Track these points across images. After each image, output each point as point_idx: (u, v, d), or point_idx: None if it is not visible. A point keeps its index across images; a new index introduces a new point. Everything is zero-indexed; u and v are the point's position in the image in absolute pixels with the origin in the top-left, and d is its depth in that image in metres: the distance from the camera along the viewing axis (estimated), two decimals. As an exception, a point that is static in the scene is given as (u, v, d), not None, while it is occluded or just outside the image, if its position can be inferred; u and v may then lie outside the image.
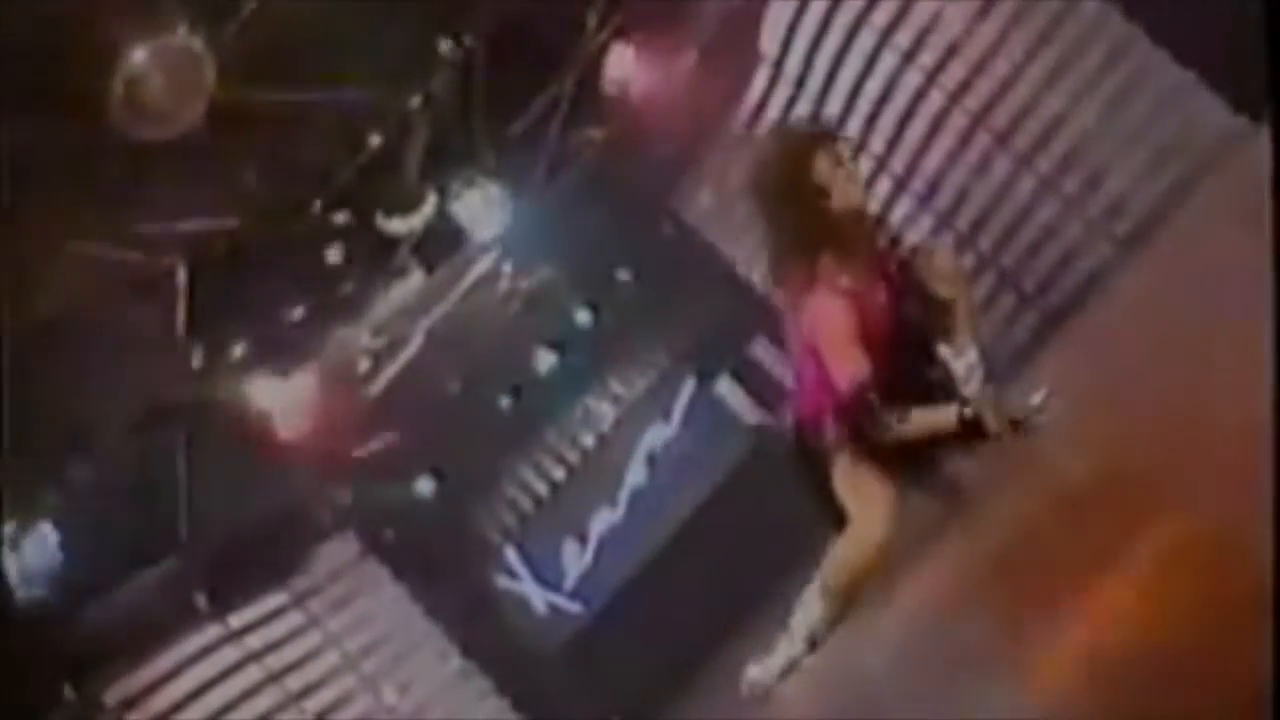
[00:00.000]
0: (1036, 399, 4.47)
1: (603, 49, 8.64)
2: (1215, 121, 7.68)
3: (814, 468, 4.53)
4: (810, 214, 4.40)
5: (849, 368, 4.32)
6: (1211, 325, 4.02)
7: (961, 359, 4.58)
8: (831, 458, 4.46)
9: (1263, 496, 1.97)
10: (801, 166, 4.42)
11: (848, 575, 4.35)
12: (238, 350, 8.02)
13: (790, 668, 4.43)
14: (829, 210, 4.40)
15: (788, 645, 4.45)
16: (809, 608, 4.43)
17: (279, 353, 8.38)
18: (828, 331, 4.38)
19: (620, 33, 8.60)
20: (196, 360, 7.76)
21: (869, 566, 4.35)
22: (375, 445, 9.96)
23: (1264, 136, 7.11)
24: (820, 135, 4.63)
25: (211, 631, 9.50)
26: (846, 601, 4.36)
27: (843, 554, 4.39)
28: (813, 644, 4.40)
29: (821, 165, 4.41)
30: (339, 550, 10.48)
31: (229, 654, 9.52)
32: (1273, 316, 2.39)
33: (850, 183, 4.48)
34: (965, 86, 8.55)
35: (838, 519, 4.48)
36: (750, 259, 9.71)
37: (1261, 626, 1.63)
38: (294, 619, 10.02)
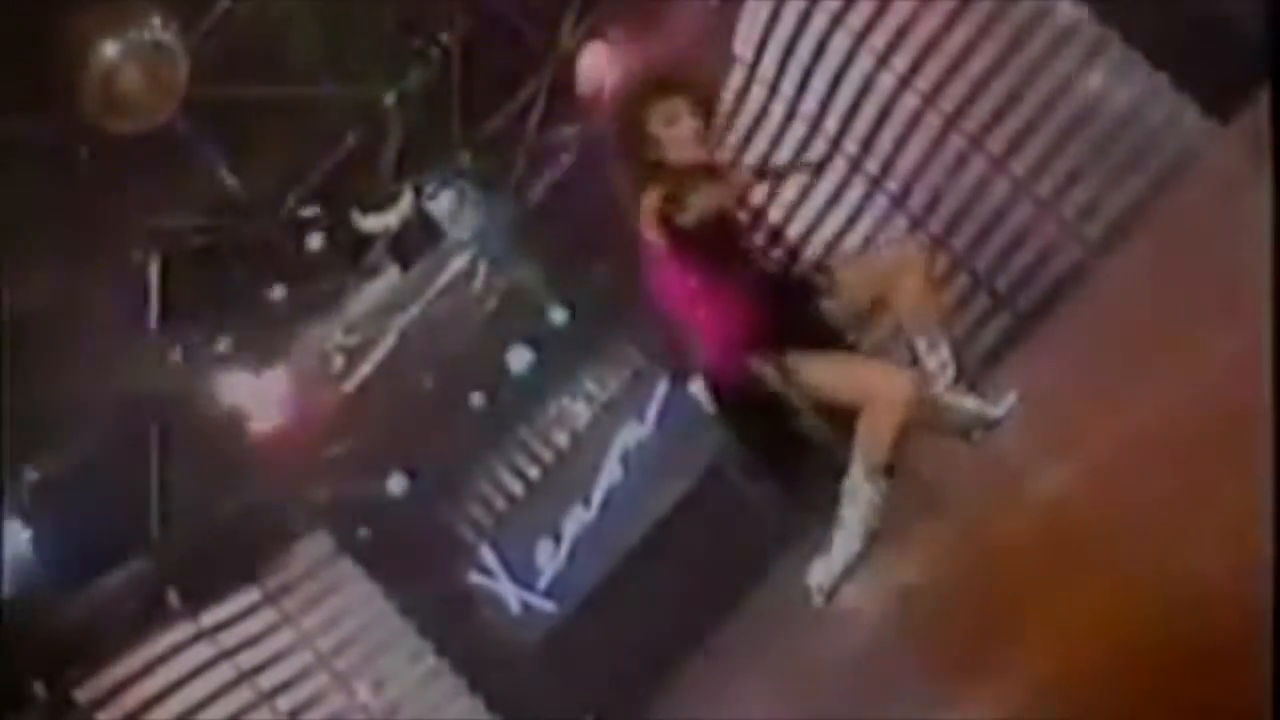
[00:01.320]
0: (1004, 405, 4.52)
1: (578, 48, 8.65)
2: (1187, 124, 7.74)
3: (770, 409, 4.55)
4: (642, 164, 4.47)
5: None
6: (1183, 326, 4.06)
7: (934, 355, 4.61)
8: (786, 383, 4.49)
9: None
10: (636, 118, 4.46)
11: (884, 444, 4.34)
12: (210, 346, 8.00)
13: (854, 564, 4.42)
14: (665, 162, 4.42)
15: (845, 541, 4.38)
16: (857, 497, 4.40)
17: (252, 349, 8.36)
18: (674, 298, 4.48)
19: (595, 33, 8.61)
20: (169, 355, 7.74)
21: (901, 424, 4.34)
22: (348, 443, 9.94)
23: (1233, 138, 7.20)
24: (666, 87, 4.66)
25: (183, 629, 9.47)
26: (890, 471, 4.36)
27: (871, 427, 4.38)
28: (872, 535, 4.39)
29: (655, 119, 4.44)
30: (312, 548, 10.46)
31: (201, 652, 9.50)
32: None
33: (688, 139, 4.46)
34: (939, 89, 8.59)
35: (822, 442, 4.51)
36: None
37: (1241, 642, 1.64)
38: (266, 617, 10.00)
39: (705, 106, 4.63)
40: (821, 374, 4.44)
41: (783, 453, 4.83)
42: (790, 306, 4.54)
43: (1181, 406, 3.27)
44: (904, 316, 4.71)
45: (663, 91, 4.58)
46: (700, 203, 4.30)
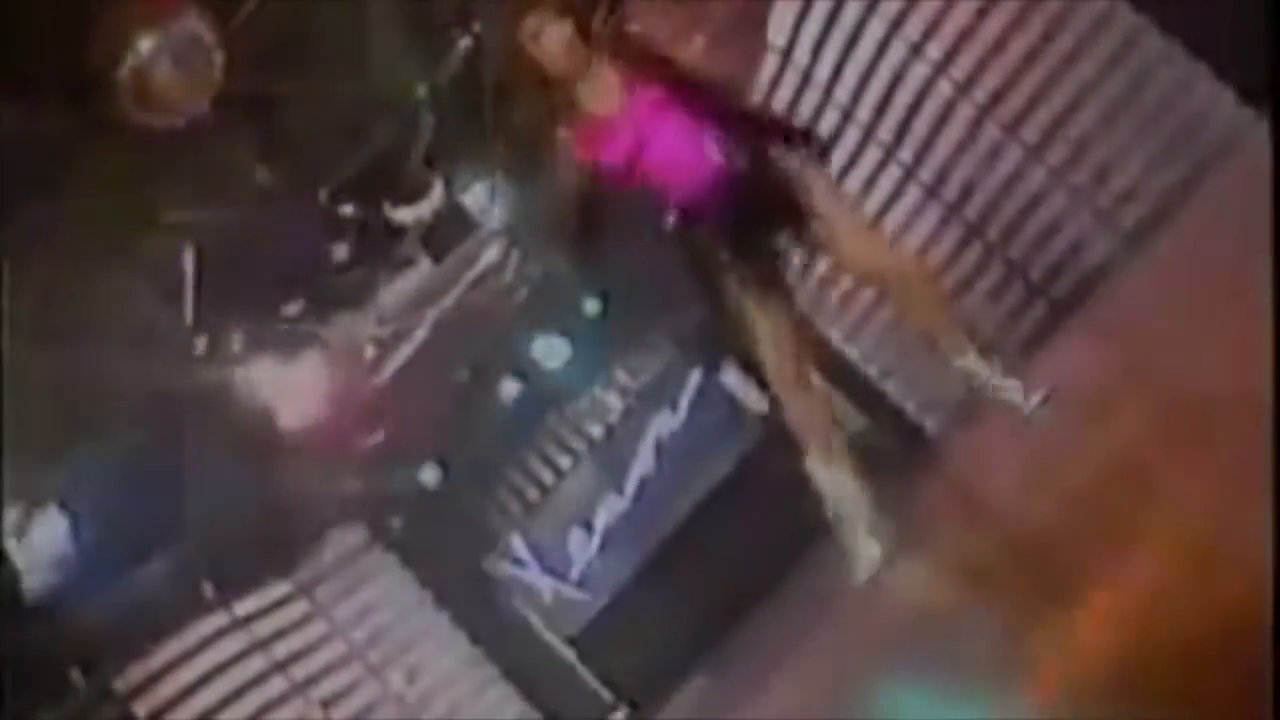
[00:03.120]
0: (1036, 398, 4.53)
1: (613, 35, 8.63)
2: (1224, 113, 7.66)
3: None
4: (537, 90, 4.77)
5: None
6: (1218, 317, 4.03)
7: (965, 359, 4.66)
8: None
9: (1264, 495, 1.97)
10: (513, 46, 4.77)
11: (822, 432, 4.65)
12: (244, 338, 8.02)
13: (875, 528, 4.63)
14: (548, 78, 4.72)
15: (851, 520, 4.69)
16: (828, 483, 4.56)
17: (285, 341, 8.38)
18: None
19: (629, 18, 8.59)
20: (202, 348, 7.76)
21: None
22: (381, 433, 9.97)
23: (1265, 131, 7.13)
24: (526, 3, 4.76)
25: (218, 619, 9.52)
26: None
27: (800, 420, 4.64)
28: (865, 496, 4.73)
29: (525, 38, 4.71)
30: (345, 539, 10.50)
31: (235, 642, 9.54)
32: (1273, 320, 2.39)
33: (558, 48, 4.70)
34: (974, 78, 8.53)
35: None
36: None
37: (1259, 624, 1.63)
38: (300, 607, 10.04)
39: (570, 10, 4.71)
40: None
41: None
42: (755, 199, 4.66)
43: (1218, 393, 3.24)
44: (916, 326, 4.81)
45: (524, 7, 4.68)
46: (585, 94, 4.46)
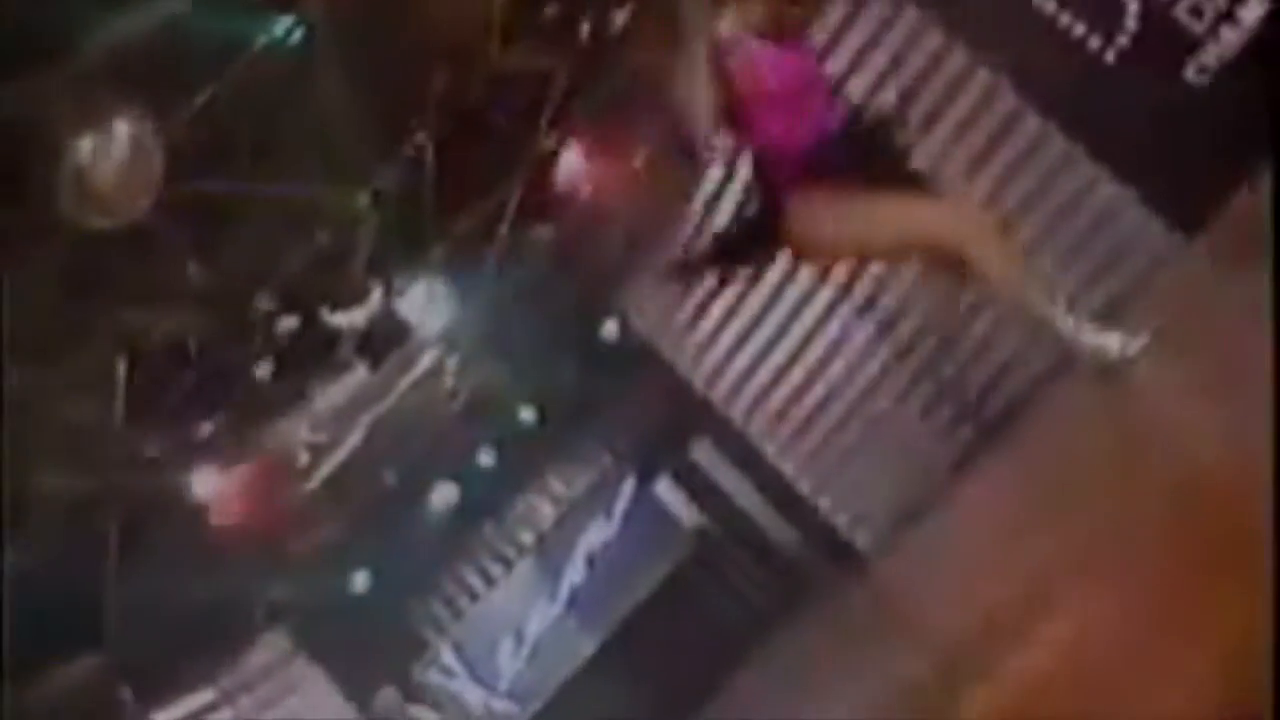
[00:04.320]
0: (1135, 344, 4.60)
1: (554, 149, 8.74)
2: (1151, 239, 7.84)
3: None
4: None
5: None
6: (1140, 444, 4.10)
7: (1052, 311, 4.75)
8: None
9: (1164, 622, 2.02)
10: None
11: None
12: (176, 441, 7.96)
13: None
14: None
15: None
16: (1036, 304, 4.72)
17: (218, 444, 8.32)
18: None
19: (571, 134, 8.71)
20: (133, 449, 7.69)
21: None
22: (311, 539, 9.88)
23: (1201, 249, 7.31)
24: None
25: (136, 728, 9.31)
26: None
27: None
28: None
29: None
30: (271, 645, 10.34)
31: (154, 751, 9.33)
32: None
33: None
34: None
35: None
36: (692, 360, 9.80)
37: None
38: (223, 716, 9.86)
39: None
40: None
41: None
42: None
43: (1132, 524, 3.31)
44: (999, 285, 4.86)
45: None
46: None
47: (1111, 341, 4.65)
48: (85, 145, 5.88)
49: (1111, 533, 3.40)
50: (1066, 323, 4.75)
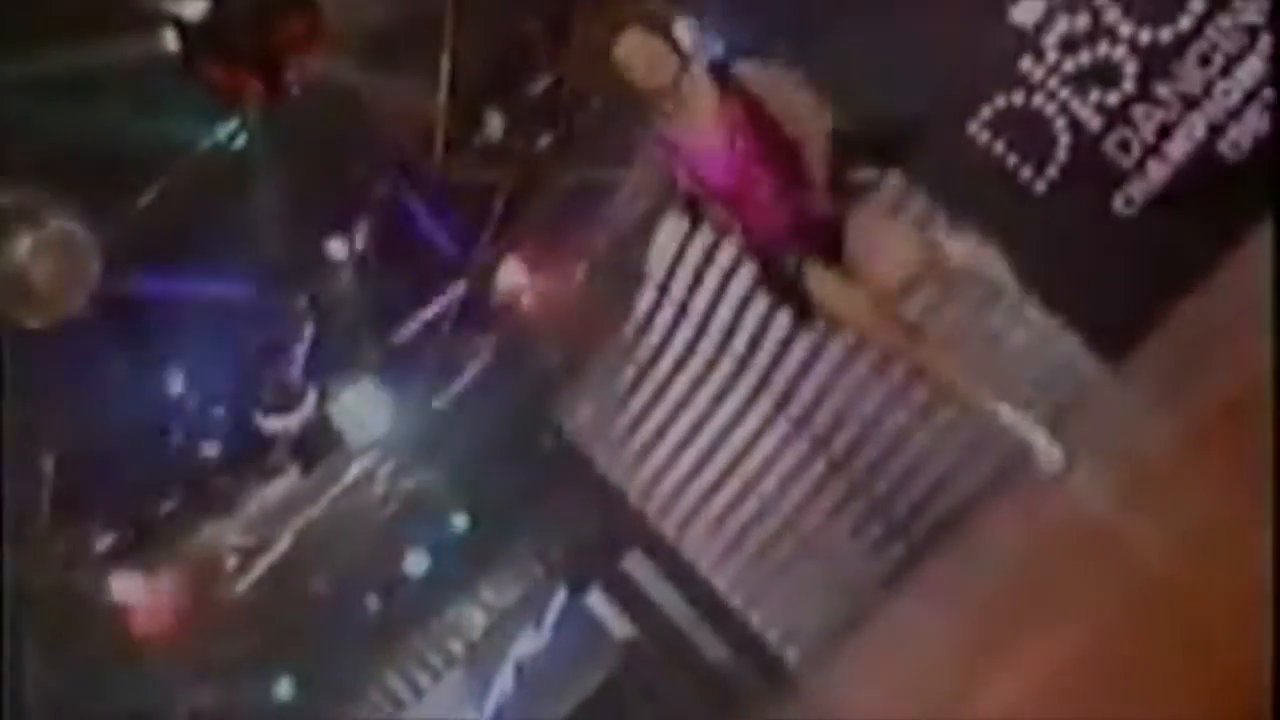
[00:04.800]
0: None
1: (495, 259, 8.80)
2: (1079, 366, 7.96)
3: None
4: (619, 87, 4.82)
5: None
6: (1074, 556, 4.15)
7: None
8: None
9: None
10: (604, 51, 4.80)
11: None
12: (101, 542, 7.86)
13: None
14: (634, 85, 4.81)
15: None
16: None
17: (144, 547, 8.22)
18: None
19: (512, 245, 8.77)
20: (58, 550, 7.59)
21: None
22: (237, 645, 9.73)
23: (1123, 380, 7.43)
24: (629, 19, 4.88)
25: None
26: None
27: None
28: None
29: (619, 50, 4.77)
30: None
31: None
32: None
33: (652, 64, 4.78)
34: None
35: None
36: (626, 472, 9.81)
37: None
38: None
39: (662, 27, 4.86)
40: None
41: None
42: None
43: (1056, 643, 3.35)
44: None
45: (617, 23, 4.83)
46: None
47: (1056, 449, 4.81)
48: (23, 245, 5.88)
49: (1051, 644, 3.46)
50: (1020, 422, 4.91)
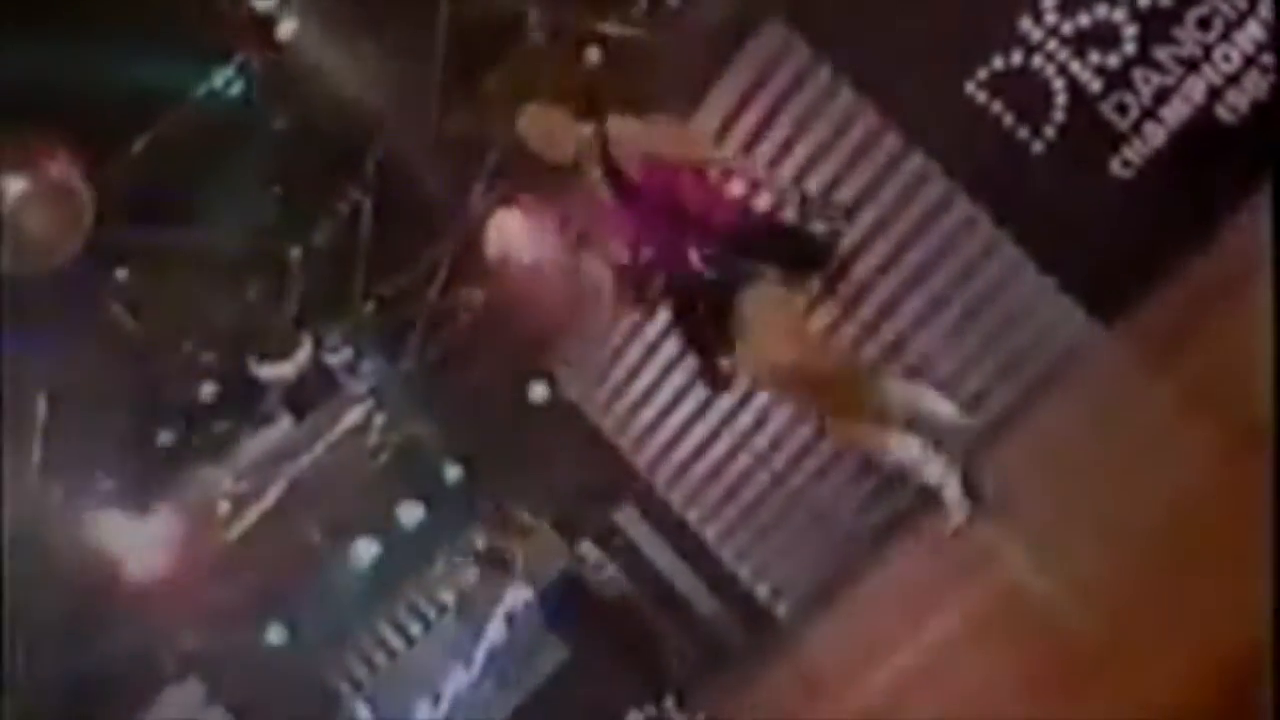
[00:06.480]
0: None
1: (488, 213, 8.79)
2: (1069, 326, 7.97)
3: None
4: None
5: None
6: (1056, 531, 4.18)
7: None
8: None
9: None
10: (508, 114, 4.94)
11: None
12: (94, 487, 7.88)
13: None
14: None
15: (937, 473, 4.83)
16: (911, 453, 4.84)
17: (138, 491, 8.25)
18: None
19: (506, 199, 8.76)
20: (51, 495, 7.61)
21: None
22: (228, 591, 9.78)
23: (1116, 340, 7.46)
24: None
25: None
26: None
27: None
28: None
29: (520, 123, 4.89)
30: (181, 697, 10.19)
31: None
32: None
33: (551, 140, 4.88)
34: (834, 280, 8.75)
35: None
36: (618, 425, 9.84)
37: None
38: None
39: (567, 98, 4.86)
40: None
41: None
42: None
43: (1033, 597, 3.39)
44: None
45: (520, 95, 4.88)
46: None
47: (954, 498, 4.85)
48: (15, 189, 5.87)
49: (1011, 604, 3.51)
50: (933, 471, 4.90)
